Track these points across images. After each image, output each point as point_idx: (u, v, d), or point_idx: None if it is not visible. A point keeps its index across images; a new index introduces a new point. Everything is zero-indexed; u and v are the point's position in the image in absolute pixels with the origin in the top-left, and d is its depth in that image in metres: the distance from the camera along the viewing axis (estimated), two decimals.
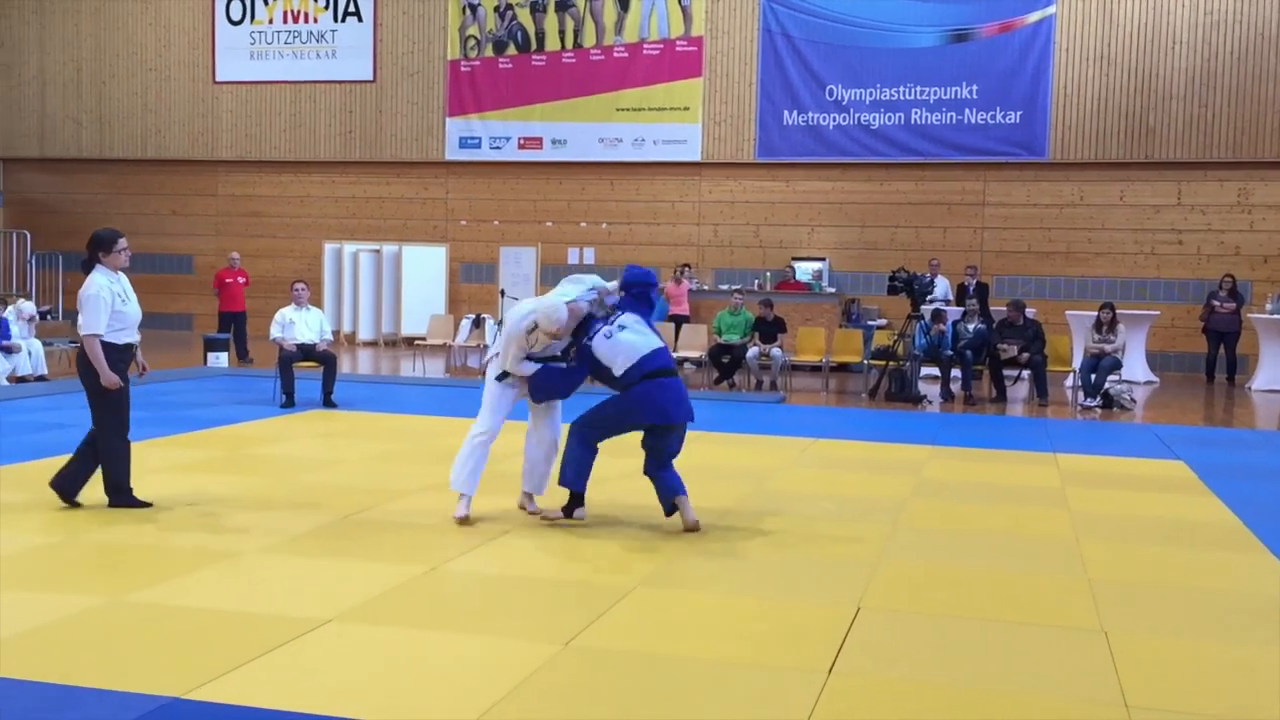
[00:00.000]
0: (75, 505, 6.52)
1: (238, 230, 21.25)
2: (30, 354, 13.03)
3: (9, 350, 12.66)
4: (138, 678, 3.92)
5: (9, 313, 13.20)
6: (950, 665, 4.34)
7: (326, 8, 20.66)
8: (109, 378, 6.36)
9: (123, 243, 6.65)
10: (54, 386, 12.52)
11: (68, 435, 9.16)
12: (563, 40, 19.64)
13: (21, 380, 12.72)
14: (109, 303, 6.40)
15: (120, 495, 6.52)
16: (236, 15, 21.03)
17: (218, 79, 21.14)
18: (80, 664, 4.05)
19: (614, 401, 6.43)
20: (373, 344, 19.66)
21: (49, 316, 16.93)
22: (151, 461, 8.15)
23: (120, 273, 6.63)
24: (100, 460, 6.55)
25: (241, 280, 16.71)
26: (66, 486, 6.54)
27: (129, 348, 6.58)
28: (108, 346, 6.41)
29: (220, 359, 14.99)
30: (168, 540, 5.87)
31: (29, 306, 14.26)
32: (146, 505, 6.52)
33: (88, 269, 6.58)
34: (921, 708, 3.90)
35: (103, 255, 6.55)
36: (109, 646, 4.27)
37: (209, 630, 4.48)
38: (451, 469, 6.43)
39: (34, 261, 19.80)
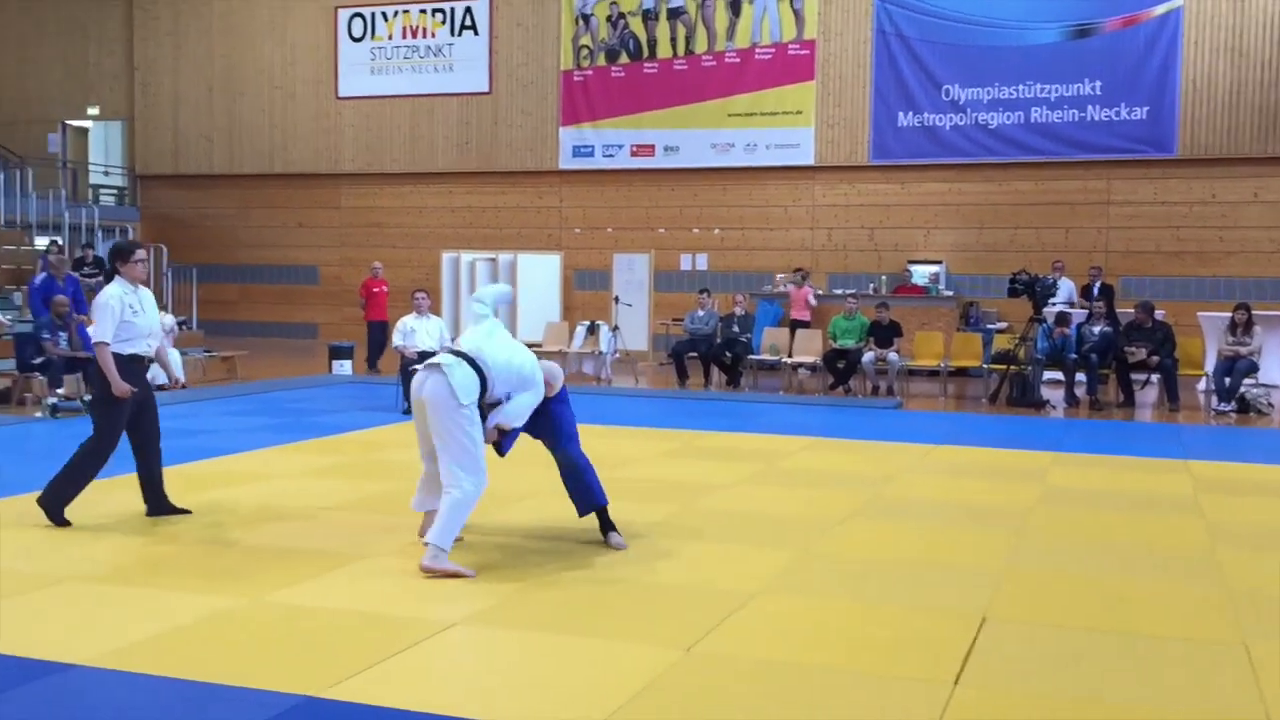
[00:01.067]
0: (173, 510, 6.68)
1: (359, 241, 21.84)
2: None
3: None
4: (275, 676, 4.07)
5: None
6: (1080, 679, 4.23)
7: (444, 22, 21.11)
8: (120, 386, 6.35)
9: (140, 254, 6.65)
10: (191, 394, 13.03)
11: (206, 440, 9.55)
12: (674, 47, 19.72)
13: (160, 388, 13.26)
14: (118, 312, 6.39)
15: (50, 509, 6.43)
16: (358, 32, 21.63)
17: (340, 95, 21.77)
18: (220, 662, 4.22)
19: (564, 409, 6.26)
20: None
21: (183, 327, 17.62)
22: (282, 466, 8.44)
23: (140, 285, 6.62)
24: (68, 462, 6.52)
25: (385, 289, 17.11)
26: (57, 497, 6.51)
27: (135, 359, 6.50)
28: (114, 357, 6.41)
29: (344, 367, 15.41)
30: (302, 543, 6.07)
31: (169, 319, 14.88)
32: (65, 524, 6.39)
33: (109, 279, 6.68)
34: None
35: (120, 265, 6.57)
36: (247, 645, 4.43)
37: (342, 631, 4.62)
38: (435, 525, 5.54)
39: (170, 274, 20.66)
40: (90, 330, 6.54)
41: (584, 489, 6.08)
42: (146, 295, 6.62)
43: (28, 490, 7.24)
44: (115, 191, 23.65)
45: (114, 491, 7.41)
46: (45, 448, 9.40)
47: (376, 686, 4.00)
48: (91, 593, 5.10)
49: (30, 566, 5.54)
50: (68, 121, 23.79)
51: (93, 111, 23.60)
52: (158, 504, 6.68)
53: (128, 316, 6.43)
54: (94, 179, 23.74)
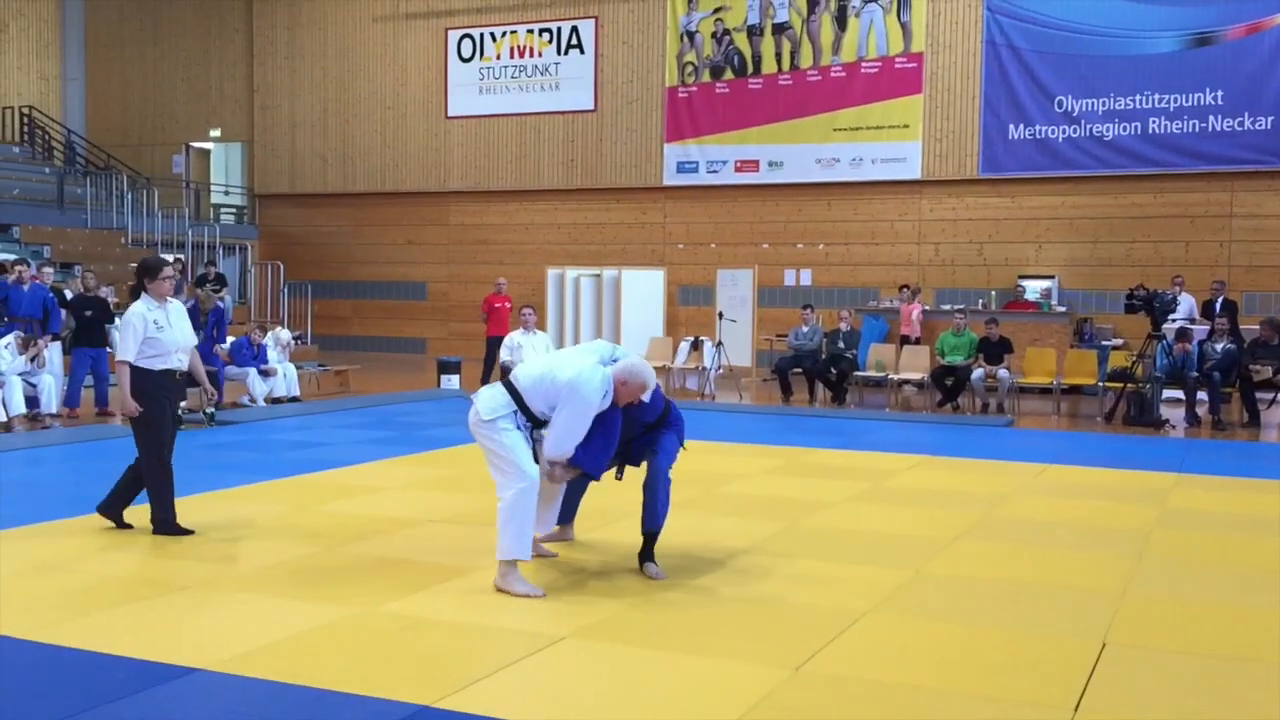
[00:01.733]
0: (126, 526, 6.63)
1: (467, 258, 22.23)
2: (285, 376, 13.98)
3: (266, 374, 13.63)
4: (389, 685, 4.15)
5: (268, 339, 14.21)
6: (1206, 707, 4.08)
7: (550, 42, 21.41)
8: (128, 405, 6.44)
9: (168, 270, 6.69)
10: (306, 407, 13.40)
11: (321, 453, 9.81)
12: (779, 63, 19.67)
13: (277, 401, 13.67)
14: (140, 330, 6.43)
15: (162, 526, 6.53)
16: (467, 53, 22.06)
17: (449, 114, 22.21)
18: (336, 670, 4.32)
19: (669, 435, 6.03)
20: None
21: (299, 341, 18.13)
22: (394, 479, 8.62)
23: (170, 300, 6.67)
24: (145, 487, 6.63)
25: (508, 305, 17.15)
26: (112, 509, 6.65)
27: (166, 374, 6.56)
28: (140, 372, 6.47)
29: (452, 381, 15.68)
30: (415, 555, 6.18)
31: (286, 334, 15.34)
32: (188, 532, 6.52)
33: (135, 295, 6.70)
34: None
35: (147, 282, 6.59)
36: (363, 654, 4.53)
37: (455, 642, 4.69)
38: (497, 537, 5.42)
39: (286, 290, 21.28)
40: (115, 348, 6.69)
41: (650, 506, 5.78)
42: (176, 310, 6.67)
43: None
44: (235, 210, 24.49)
45: (235, 502, 7.65)
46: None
47: (488, 698, 4.05)
48: (211, 599, 5.27)
49: (153, 573, 5.75)
50: (191, 144, 24.74)
51: (214, 134, 24.49)
52: (114, 512, 6.65)
53: (152, 333, 6.44)
54: (215, 198, 24.61)
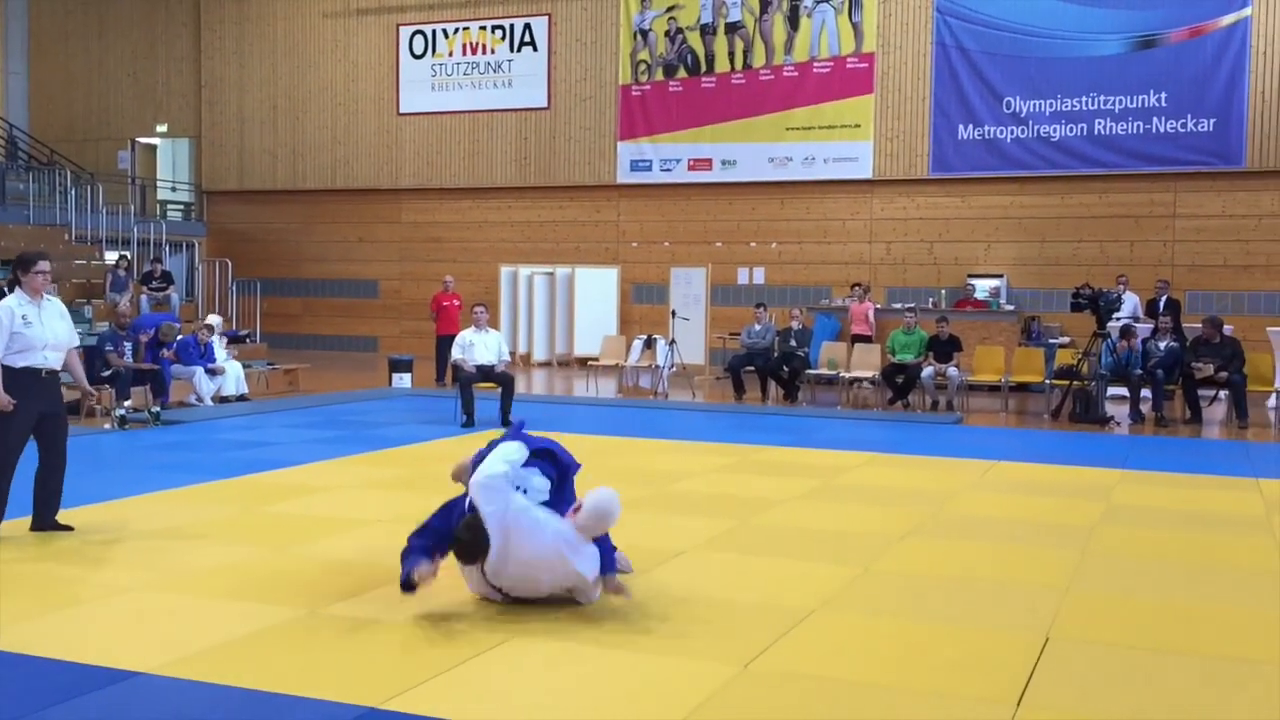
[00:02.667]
0: (65, 528, 6.47)
1: (419, 255, 22.08)
2: (235, 376, 13.77)
3: (214, 372, 13.45)
4: (335, 687, 4.11)
5: (215, 338, 13.99)
6: (1145, 701, 4.15)
7: (503, 39, 21.32)
8: (4, 399, 6.19)
9: (42, 265, 6.40)
10: (255, 406, 13.24)
11: (269, 453, 9.69)
12: (732, 62, 19.73)
13: (225, 400, 13.50)
14: (7, 325, 6.23)
15: None
16: (419, 49, 21.91)
17: (401, 111, 22.05)
18: (281, 672, 4.27)
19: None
20: (546, 364, 20.09)
21: (248, 340, 17.92)
22: (343, 478, 8.54)
23: (48, 297, 6.46)
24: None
25: (457, 303, 16.94)
26: (43, 521, 6.48)
27: (29, 371, 6.29)
28: (5, 370, 6.24)
29: (404, 380, 15.57)
30: (361, 555, 6.13)
31: (214, 319, 15.12)
32: None
33: (10, 289, 6.51)
34: None
35: (21, 276, 6.40)
36: (307, 656, 4.48)
37: (401, 643, 4.65)
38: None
39: (235, 288, 21.02)
40: None
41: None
42: (51, 306, 6.46)
43: (96, 500, 7.41)
44: (182, 207, 24.15)
45: (180, 503, 7.55)
46: (114, 458, 9.60)
47: (435, 699, 4.02)
48: (154, 602, 5.19)
49: (95, 575, 5.65)
50: (137, 139, 24.35)
51: (161, 129, 24.14)
52: (41, 519, 6.48)
53: (19, 328, 6.25)
54: (162, 195, 24.26)
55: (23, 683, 4.15)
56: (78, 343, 6.72)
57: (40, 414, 6.37)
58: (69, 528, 6.46)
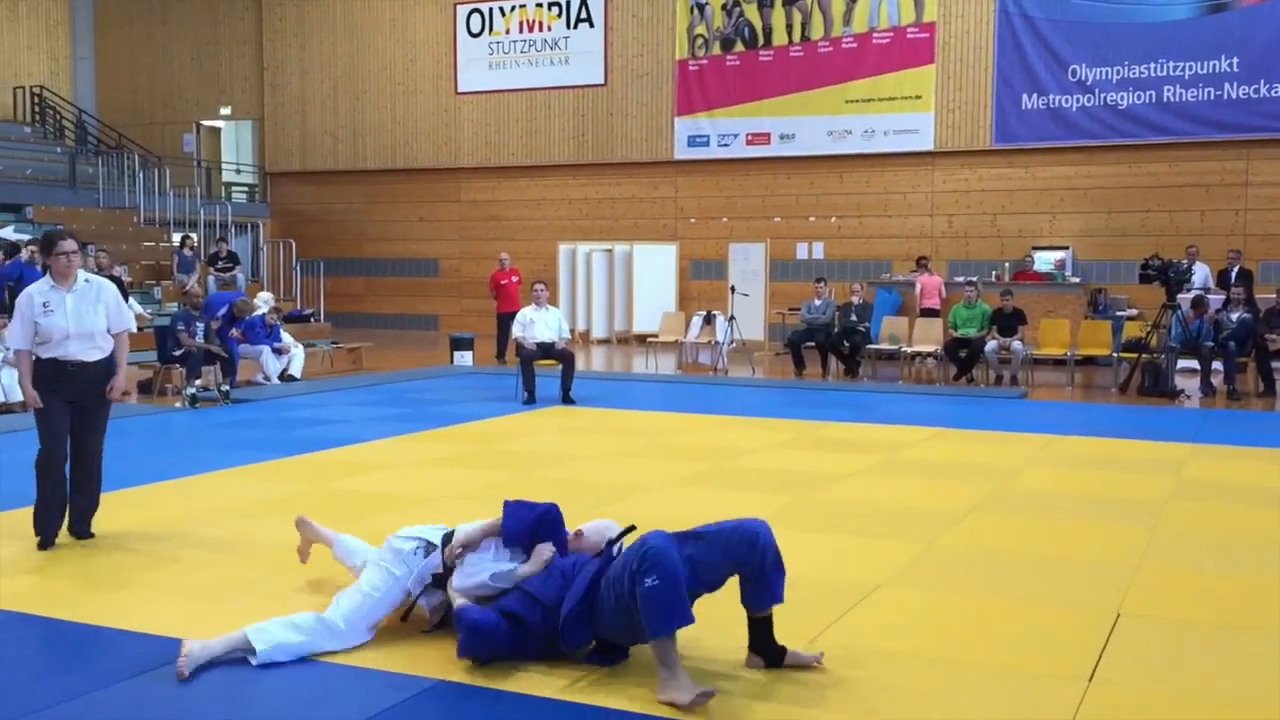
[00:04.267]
0: (89, 535, 5.87)
1: (478, 234, 22.20)
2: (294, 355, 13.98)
3: (280, 351, 13.66)
4: (405, 659, 4.17)
5: (258, 299, 14.11)
6: (1219, 677, 4.08)
7: (559, 16, 21.30)
8: (29, 394, 5.72)
9: (64, 245, 5.68)
10: (320, 384, 13.44)
11: (335, 430, 9.84)
12: (790, 34, 19.53)
13: (291, 379, 13.70)
14: (27, 314, 5.63)
15: (39, 535, 5.74)
16: (476, 28, 21.97)
17: (459, 90, 22.14)
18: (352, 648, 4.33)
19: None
20: (606, 341, 20.13)
21: (312, 319, 18.17)
22: (407, 455, 8.64)
23: (81, 280, 5.74)
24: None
25: (515, 280, 16.95)
26: (78, 529, 5.89)
27: (54, 364, 5.67)
28: (42, 361, 5.71)
29: (465, 358, 15.70)
30: None
31: (266, 296, 15.32)
32: (48, 545, 5.71)
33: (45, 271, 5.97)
34: None
35: (45, 259, 5.76)
36: (382, 632, 4.54)
37: None
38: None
39: (298, 268, 21.31)
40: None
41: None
42: (87, 291, 5.74)
43: (169, 477, 7.57)
44: (246, 189, 24.50)
45: (250, 480, 7.69)
46: (185, 437, 9.80)
47: (497, 673, 4.06)
48: (226, 576, 5.29)
49: (168, 550, 5.78)
50: (202, 122, 24.72)
51: (225, 112, 24.47)
52: (79, 515, 5.89)
53: (38, 315, 5.61)
54: (226, 176, 24.63)
55: (100, 655, 4.27)
56: (128, 327, 5.97)
57: (73, 405, 5.77)
58: (91, 535, 5.88)
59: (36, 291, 5.69)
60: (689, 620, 3.82)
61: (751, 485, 7.54)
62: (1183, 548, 5.93)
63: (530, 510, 4.40)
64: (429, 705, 3.83)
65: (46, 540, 5.71)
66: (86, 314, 5.68)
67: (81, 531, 5.86)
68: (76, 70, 25.03)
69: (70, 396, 5.71)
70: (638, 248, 20.16)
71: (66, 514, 5.84)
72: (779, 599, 4.05)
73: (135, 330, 6.14)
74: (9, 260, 14.20)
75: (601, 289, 20.28)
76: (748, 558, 3.99)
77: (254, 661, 4.10)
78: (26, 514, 5.93)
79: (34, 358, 5.71)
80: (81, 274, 5.75)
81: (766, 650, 4.07)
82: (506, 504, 4.48)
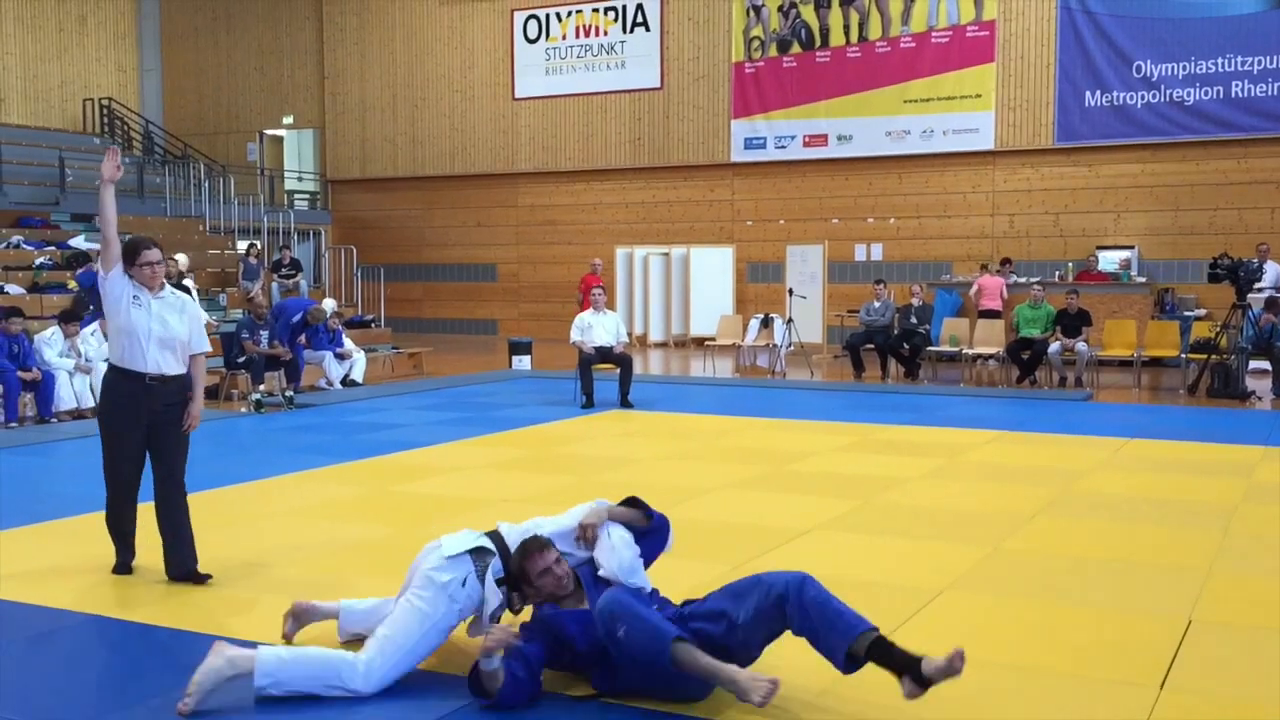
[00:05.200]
0: (204, 577, 5.30)
1: (535, 239, 22.33)
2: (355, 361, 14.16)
3: (342, 357, 13.84)
4: (466, 662, 4.20)
5: (325, 304, 14.30)
6: None
7: (616, 20, 21.36)
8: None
9: (149, 254, 5.23)
10: (381, 389, 13.59)
11: (397, 434, 9.94)
12: (847, 35, 19.41)
13: (353, 384, 13.87)
14: (115, 294, 5.24)
15: (121, 570, 5.39)
16: (533, 34, 22.10)
17: (516, 96, 22.29)
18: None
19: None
20: (663, 345, 20.14)
21: (373, 324, 18.38)
22: (469, 459, 8.71)
23: (172, 292, 5.37)
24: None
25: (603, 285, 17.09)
26: (180, 568, 5.32)
27: (132, 378, 5.24)
28: (110, 371, 5.38)
29: (524, 362, 15.78)
30: None
31: (330, 302, 15.49)
32: (127, 569, 5.39)
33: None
34: None
35: (129, 270, 5.26)
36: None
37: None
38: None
39: (359, 274, 21.58)
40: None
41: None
42: (172, 301, 5.34)
43: (236, 481, 7.70)
44: (308, 196, 24.86)
45: (315, 483, 7.79)
46: (251, 441, 9.96)
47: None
48: (291, 579, 5.36)
49: (234, 553, 5.87)
50: (265, 131, 25.13)
51: (287, 121, 24.86)
52: (176, 561, 5.31)
53: (124, 309, 5.22)
54: (289, 185, 25.00)
55: (168, 655, 4.35)
56: (206, 349, 5.54)
57: (149, 425, 5.27)
58: (207, 576, 5.29)
59: (129, 284, 5.23)
60: (671, 633, 3.65)
61: (812, 489, 7.50)
62: (1255, 553, 5.81)
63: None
64: None
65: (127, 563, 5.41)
66: (171, 320, 5.28)
67: (193, 574, 5.27)
68: (143, 82, 25.58)
69: (147, 418, 5.24)
70: (694, 251, 20.15)
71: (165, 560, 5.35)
72: (837, 660, 3.70)
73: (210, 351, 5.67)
74: (82, 269, 14.53)
75: (658, 292, 20.29)
76: (777, 629, 3.82)
77: (253, 689, 3.81)
78: (98, 517, 6.05)
79: (110, 366, 5.35)
80: (168, 287, 5.42)
81: (899, 667, 3.65)
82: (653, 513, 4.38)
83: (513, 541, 4.17)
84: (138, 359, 5.21)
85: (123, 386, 5.24)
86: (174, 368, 5.31)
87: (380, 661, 3.91)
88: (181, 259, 15.53)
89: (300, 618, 4.44)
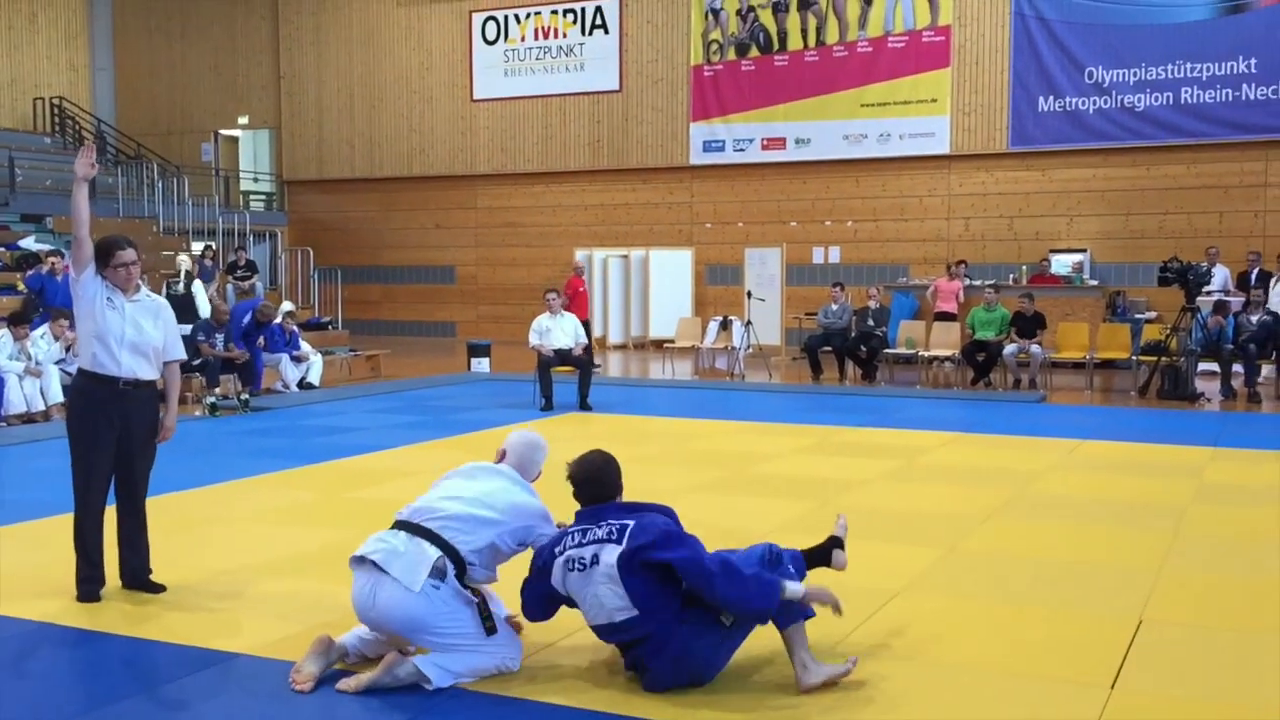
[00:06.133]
0: (157, 588, 5.18)
1: (495, 241, 22.26)
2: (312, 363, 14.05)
3: (299, 359, 13.72)
4: None
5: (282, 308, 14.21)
6: (1242, 683, 4.06)
7: (575, 22, 21.34)
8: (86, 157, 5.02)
9: (124, 255, 5.04)
10: (339, 392, 13.49)
11: (354, 438, 9.87)
12: (805, 39, 19.53)
13: (310, 387, 13.76)
14: (89, 296, 5.03)
15: (85, 588, 5.06)
16: (491, 35, 22.03)
17: (475, 97, 22.21)
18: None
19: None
20: (622, 347, 20.15)
21: (330, 326, 18.25)
22: (428, 463, 8.66)
23: (147, 295, 5.20)
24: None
25: (583, 289, 16.84)
26: (136, 579, 5.19)
27: (104, 383, 5.02)
28: (81, 376, 5.15)
29: (482, 364, 15.73)
30: None
31: (287, 305, 15.39)
32: (93, 598, 5.04)
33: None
34: None
35: (103, 270, 5.05)
36: None
37: None
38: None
39: (316, 276, 21.40)
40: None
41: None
42: (147, 305, 5.16)
43: (189, 486, 7.61)
44: (264, 197, 24.63)
45: (270, 488, 7.72)
46: (206, 445, 9.85)
47: (518, 680, 4.07)
48: (246, 586, 5.32)
49: (188, 560, 5.81)
50: (220, 131, 24.87)
51: (242, 121, 24.61)
52: (132, 572, 5.19)
53: (99, 311, 5.02)
54: (244, 185, 24.76)
55: (126, 664, 4.30)
56: (181, 356, 5.42)
57: (118, 435, 5.07)
58: (161, 587, 5.18)
59: (102, 286, 5.03)
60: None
61: (771, 491, 7.53)
62: (1205, 552, 5.90)
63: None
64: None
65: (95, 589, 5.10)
66: (145, 325, 5.10)
67: (147, 583, 5.17)
68: (96, 80, 25.22)
69: (120, 424, 5.05)
70: (654, 253, 20.18)
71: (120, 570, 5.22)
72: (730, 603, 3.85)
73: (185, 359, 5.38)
74: (30, 271, 14.31)
75: (617, 295, 20.29)
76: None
77: (430, 686, 3.92)
78: (52, 522, 5.96)
79: (80, 370, 5.12)
80: (143, 289, 5.21)
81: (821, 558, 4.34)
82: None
83: (425, 519, 4.16)
84: (110, 363, 5.02)
85: (95, 392, 5.04)
86: (148, 373, 5.14)
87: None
88: (184, 260, 15.38)
89: (326, 654, 4.14)
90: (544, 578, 4.09)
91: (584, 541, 3.97)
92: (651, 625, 3.83)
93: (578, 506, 4.23)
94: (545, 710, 3.83)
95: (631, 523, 3.95)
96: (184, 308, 12.84)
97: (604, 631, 4.02)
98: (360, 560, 4.11)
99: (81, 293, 5.04)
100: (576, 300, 16.65)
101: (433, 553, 4.06)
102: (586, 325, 16.37)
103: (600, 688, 4.01)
